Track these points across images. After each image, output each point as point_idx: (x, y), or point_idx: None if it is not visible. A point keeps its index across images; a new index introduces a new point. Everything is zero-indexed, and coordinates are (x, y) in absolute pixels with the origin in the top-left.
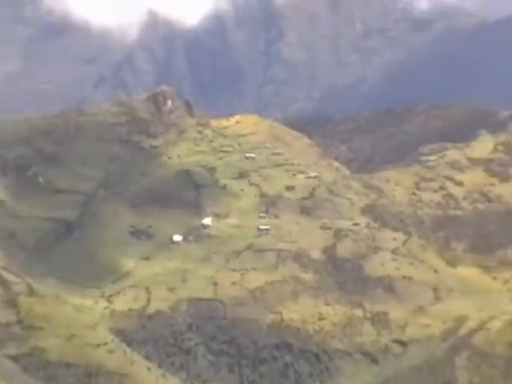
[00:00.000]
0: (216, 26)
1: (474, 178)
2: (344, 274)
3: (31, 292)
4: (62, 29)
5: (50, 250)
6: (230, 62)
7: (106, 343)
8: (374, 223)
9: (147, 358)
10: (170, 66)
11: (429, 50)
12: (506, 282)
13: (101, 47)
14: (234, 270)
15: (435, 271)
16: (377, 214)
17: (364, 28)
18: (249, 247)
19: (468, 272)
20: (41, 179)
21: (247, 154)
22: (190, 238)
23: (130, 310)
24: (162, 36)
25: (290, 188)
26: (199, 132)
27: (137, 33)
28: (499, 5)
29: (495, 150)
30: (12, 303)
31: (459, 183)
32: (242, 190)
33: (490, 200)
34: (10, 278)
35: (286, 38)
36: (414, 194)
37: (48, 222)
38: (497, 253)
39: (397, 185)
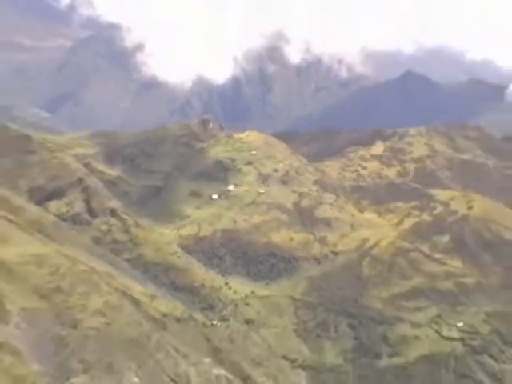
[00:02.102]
0: (235, 84)
1: (373, 165)
2: (304, 216)
3: (137, 225)
4: (151, 84)
5: (147, 203)
6: (244, 104)
7: (176, 252)
8: (320, 189)
9: (198, 261)
10: (211, 105)
11: (349, 98)
12: (389, 220)
13: (172, 94)
14: (245, 214)
15: (352, 215)
16: (321, 184)
17: (315, 86)
18: (253, 202)
19: (369, 215)
20: (142, 165)
21: (252, 152)
22: (222, 196)
23: (189, 235)
24: (205, 88)
25: (275, 170)
26: (227, 140)
27: (191, 86)
28: (387, 72)
29: (384, 151)
30: (127, 231)
31: (365, 168)
32: (249, 171)
33: (381, 177)
34: (125, 217)
35: (274, 91)
36: (340, 173)
37: (146, 188)
38: (384, 205)
39: (332, 169)
